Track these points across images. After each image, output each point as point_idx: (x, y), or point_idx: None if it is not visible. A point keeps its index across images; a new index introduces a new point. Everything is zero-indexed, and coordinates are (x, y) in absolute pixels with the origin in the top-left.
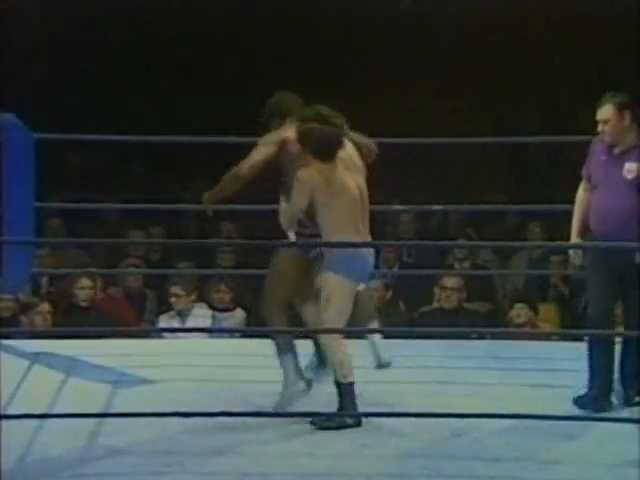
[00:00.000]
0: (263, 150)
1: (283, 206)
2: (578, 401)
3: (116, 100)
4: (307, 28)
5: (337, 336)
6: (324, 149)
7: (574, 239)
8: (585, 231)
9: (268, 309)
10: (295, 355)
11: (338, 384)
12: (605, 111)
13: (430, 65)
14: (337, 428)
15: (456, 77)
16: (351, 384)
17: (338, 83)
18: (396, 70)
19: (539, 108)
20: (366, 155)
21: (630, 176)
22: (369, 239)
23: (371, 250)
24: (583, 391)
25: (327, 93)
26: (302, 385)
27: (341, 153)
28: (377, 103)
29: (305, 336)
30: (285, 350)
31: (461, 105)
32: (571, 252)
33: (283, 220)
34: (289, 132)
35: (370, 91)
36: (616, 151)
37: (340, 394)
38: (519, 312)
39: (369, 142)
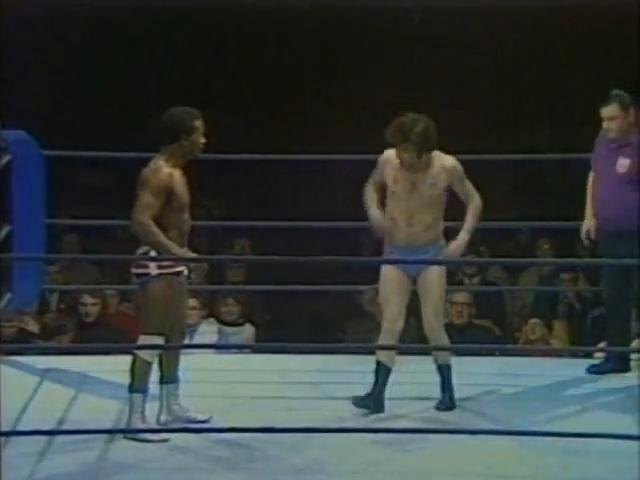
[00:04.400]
0: None
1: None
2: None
3: (129, 117)
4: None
5: None
6: None
7: (587, 220)
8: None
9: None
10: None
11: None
12: (611, 109)
13: (439, 80)
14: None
15: (463, 93)
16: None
17: (344, 98)
18: (405, 85)
19: (549, 123)
20: None
21: (621, 170)
22: None
23: None
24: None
25: (337, 108)
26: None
27: None
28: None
29: None
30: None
31: (471, 121)
32: (583, 232)
33: None
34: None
35: (378, 107)
36: (613, 146)
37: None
38: (533, 327)
39: None
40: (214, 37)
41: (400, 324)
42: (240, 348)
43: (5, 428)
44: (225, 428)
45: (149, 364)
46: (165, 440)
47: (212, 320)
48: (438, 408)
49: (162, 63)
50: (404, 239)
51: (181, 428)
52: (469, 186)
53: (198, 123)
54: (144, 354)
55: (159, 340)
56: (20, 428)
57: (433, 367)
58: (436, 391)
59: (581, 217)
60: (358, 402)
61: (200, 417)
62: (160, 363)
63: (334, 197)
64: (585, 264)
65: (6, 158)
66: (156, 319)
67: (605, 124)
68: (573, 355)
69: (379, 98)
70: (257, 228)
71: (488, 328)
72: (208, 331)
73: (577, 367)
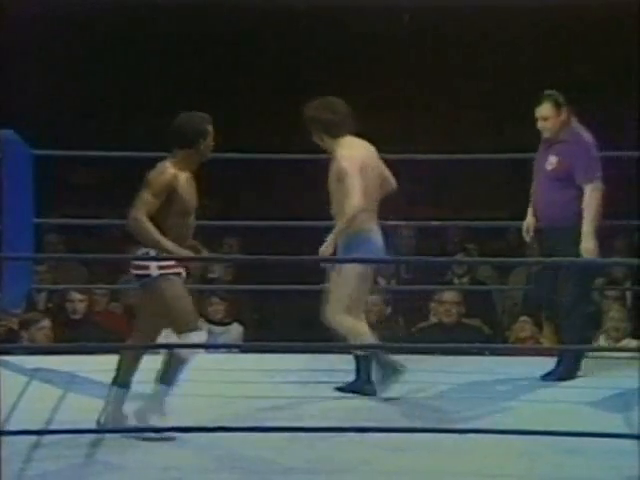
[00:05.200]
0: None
1: None
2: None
3: (117, 116)
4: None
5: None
6: None
7: (527, 217)
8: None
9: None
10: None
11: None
12: (544, 109)
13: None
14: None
15: (457, 92)
16: None
17: (350, 97)
18: (404, 85)
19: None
20: None
21: (549, 168)
22: None
23: None
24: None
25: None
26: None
27: None
28: (383, 118)
29: None
30: None
31: (464, 121)
32: (523, 229)
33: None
34: None
35: (378, 106)
36: (546, 145)
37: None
38: (523, 325)
39: None
40: (215, 36)
41: None
42: (228, 348)
43: None
44: (214, 427)
45: (186, 362)
46: (171, 439)
47: (201, 319)
48: (341, 389)
49: (161, 62)
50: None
51: (170, 427)
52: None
53: (210, 127)
54: (183, 353)
55: (199, 337)
56: (9, 428)
57: (422, 366)
58: (427, 389)
59: None
60: (345, 388)
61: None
62: (120, 364)
63: (321, 196)
64: (572, 263)
65: None
66: (182, 317)
67: (539, 124)
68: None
69: (379, 97)
70: (245, 228)
71: (478, 327)
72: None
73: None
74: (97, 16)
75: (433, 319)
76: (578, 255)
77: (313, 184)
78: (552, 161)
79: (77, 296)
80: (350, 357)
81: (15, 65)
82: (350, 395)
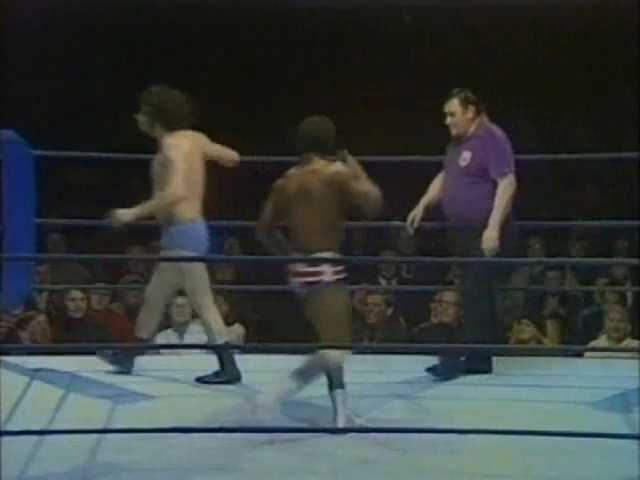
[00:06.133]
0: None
1: None
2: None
3: (117, 116)
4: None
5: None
6: None
7: (415, 209)
8: (431, 208)
9: None
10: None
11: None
12: (451, 104)
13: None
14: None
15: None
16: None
17: (369, 99)
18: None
19: (538, 123)
20: None
21: (463, 164)
22: None
23: None
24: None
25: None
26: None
27: None
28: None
29: None
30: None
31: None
32: (408, 221)
33: None
34: None
35: (403, 106)
36: (457, 141)
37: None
38: (524, 328)
39: None
40: (216, 35)
41: None
42: (229, 349)
43: None
44: (216, 428)
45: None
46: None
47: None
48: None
49: (161, 62)
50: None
51: (172, 428)
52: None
53: None
54: (337, 356)
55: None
56: (10, 428)
57: (419, 366)
58: (428, 389)
59: (571, 216)
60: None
61: None
62: None
63: None
64: (575, 263)
65: None
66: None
67: (447, 120)
68: (564, 354)
69: (382, 96)
70: (245, 228)
71: None
72: (198, 330)
73: (569, 367)
74: (97, 16)
75: (434, 319)
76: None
77: None
78: (465, 157)
79: (78, 294)
80: (351, 357)
81: (15, 65)
82: (353, 394)
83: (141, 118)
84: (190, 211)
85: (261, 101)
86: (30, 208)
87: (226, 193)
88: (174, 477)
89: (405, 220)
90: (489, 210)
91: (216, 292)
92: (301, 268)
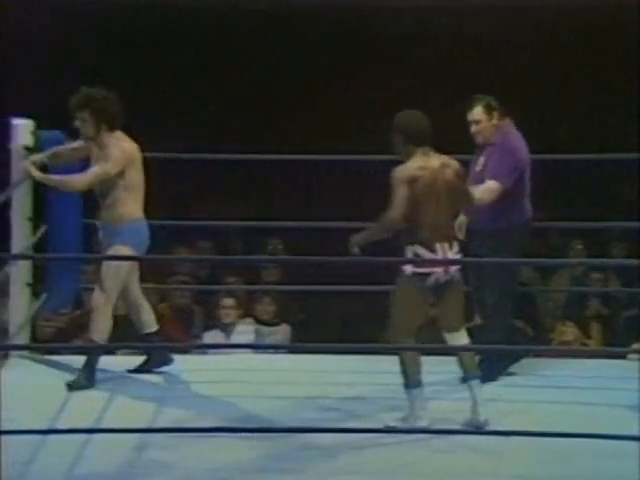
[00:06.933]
0: (401, 192)
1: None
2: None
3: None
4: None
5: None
6: None
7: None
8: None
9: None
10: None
11: None
12: (475, 112)
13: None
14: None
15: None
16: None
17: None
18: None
19: (572, 121)
20: None
21: (478, 169)
22: None
23: None
24: None
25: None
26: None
27: None
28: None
29: None
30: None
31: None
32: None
33: None
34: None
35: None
36: (479, 148)
37: None
38: (565, 330)
39: None
40: (217, 35)
41: None
42: (276, 348)
43: (42, 427)
44: (261, 428)
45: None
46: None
47: (249, 320)
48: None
49: (161, 62)
50: (102, 217)
51: (217, 427)
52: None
53: None
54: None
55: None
56: (61, 427)
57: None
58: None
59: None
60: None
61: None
62: (403, 366)
63: (365, 197)
64: (617, 265)
65: None
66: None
67: (472, 128)
68: (608, 356)
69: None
70: (290, 228)
71: (520, 329)
72: (245, 330)
73: (611, 369)
74: (98, 15)
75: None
76: (504, 255)
77: (359, 185)
78: (480, 163)
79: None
80: (392, 359)
81: (16, 64)
82: (396, 396)
83: (84, 121)
84: (137, 212)
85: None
86: (77, 208)
87: (271, 194)
88: (220, 477)
89: None
90: (500, 216)
91: (263, 292)
92: (449, 255)
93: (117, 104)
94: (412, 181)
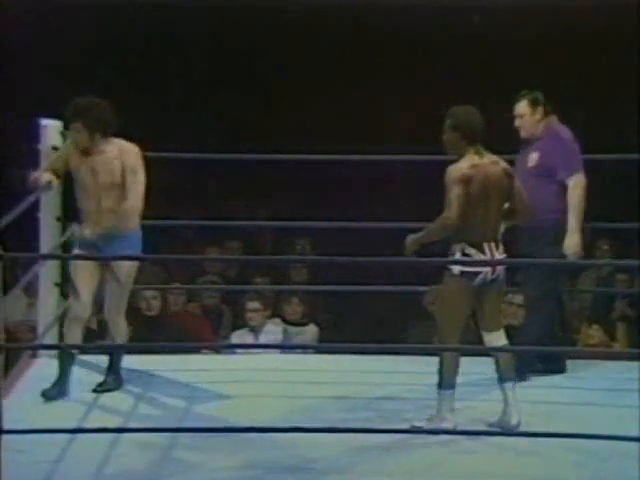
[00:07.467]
0: (456, 191)
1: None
2: None
3: (195, 115)
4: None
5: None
6: None
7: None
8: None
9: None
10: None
11: None
12: (520, 106)
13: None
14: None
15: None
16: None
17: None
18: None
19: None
20: None
21: (531, 164)
22: None
23: None
24: None
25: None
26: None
27: None
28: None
29: None
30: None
31: None
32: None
33: None
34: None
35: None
36: (526, 144)
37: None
38: (593, 333)
39: None
40: (219, 35)
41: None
42: (303, 348)
43: (72, 426)
44: (290, 428)
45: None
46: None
47: (277, 320)
48: (95, 390)
49: (161, 61)
50: (92, 228)
51: (246, 427)
52: (140, 178)
53: None
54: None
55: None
56: (89, 426)
57: (488, 368)
58: (492, 392)
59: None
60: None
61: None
62: (441, 366)
63: (395, 198)
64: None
65: None
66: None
67: (516, 122)
68: (632, 358)
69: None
70: (318, 228)
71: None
72: (273, 331)
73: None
74: (97, 15)
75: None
76: (559, 252)
77: (389, 185)
78: (533, 157)
79: (150, 293)
80: (422, 359)
81: (15, 65)
82: (424, 396)
83: (79, 132)
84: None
85: None
86: None
87: (301, 194)
88: (249, 476)
89: None
90: (556, 211)
91: (291, 292)
92: (496, 255)
93: (110, 110)
94: (466, 180)
